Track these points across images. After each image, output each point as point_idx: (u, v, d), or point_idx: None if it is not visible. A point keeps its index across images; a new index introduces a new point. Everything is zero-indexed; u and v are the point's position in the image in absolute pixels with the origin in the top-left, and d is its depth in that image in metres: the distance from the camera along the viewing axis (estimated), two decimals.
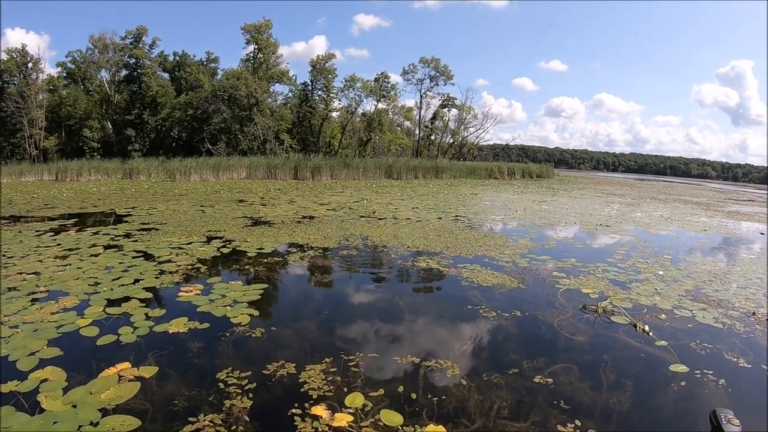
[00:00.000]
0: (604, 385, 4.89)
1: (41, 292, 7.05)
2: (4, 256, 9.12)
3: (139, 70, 44.48)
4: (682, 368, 5.20)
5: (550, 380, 4.91)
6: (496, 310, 6.92)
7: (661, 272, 9.38)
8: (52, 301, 6.61)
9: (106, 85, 46.84)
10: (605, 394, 4.72)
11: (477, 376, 5.01)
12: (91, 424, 3.96)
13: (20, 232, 11.64)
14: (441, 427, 4.06)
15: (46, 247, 10.04)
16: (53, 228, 12.32)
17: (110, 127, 44.18)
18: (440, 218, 16.15)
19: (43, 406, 4.16)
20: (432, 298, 7.98)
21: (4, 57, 41.06)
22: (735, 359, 5.48)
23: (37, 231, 11.79)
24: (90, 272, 8.13)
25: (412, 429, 4.03)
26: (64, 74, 47.74)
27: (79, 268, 8.40)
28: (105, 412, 4.13)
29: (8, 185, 23.98)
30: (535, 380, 4.91)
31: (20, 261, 8.77)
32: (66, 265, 8.59)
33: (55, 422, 3.96)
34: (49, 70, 46.47)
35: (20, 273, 7.93)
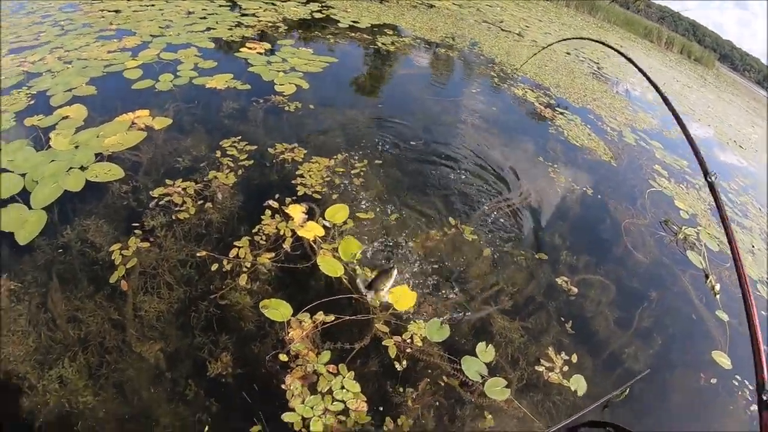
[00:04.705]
0: (631, 330, 3.74)
1: (110, 30, 6.64)
2: None
3: None
4: (725, 362, 3.79)
5: (575, 290, 3.83)
6: (568, 176, 5.56)
7: None
8: (116, 40, 6.21)
9: None
10: (624, 340, 3.62)
11: (495, 243, 4.03)
12: (81, 168, 3.74)
13: None
14: (405, 288, 3.24)
15: None
16: None
17: None
18: (568, 54, 13.51)
19: (51, 144, 3.98)
20: (505, 131, 6.48)
21: None
22: None
23: None
24: (169, 15, 7.57)
25: (368, 274, 3.29)
26: None
27: (160, 9, 7.84)
28: (100, 157, 3.88)
29: None
30: (558, 280, 3.86)
31: None
32: (150, 5, 8.04)
33: (52, 161, 3.79)
34: None
35: (102, 10, 7.49)
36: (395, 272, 3.14)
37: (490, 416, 2.68)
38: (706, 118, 14.22)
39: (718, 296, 4.51)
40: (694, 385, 3.51)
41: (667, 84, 16.66)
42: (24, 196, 3.41)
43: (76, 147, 3.96)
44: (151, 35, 6.46)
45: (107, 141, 4.04)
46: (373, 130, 5.19)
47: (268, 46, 6.77)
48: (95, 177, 3.64)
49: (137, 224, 3.27)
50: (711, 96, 21.44)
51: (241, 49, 6.47)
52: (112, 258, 3.02)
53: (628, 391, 3.02)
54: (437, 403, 2.69)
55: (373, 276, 3.18)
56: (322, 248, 3.36)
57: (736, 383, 3.64)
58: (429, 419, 2.61)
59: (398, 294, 3.15)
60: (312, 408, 2.46)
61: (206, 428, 2.37)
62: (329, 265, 3.22)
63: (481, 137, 5.87)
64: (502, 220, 4.32)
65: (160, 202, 3.46)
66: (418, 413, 2.61)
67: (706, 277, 4.73)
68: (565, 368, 3.09)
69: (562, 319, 3.48)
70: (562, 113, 7.64)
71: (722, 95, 25.19)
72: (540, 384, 2.97)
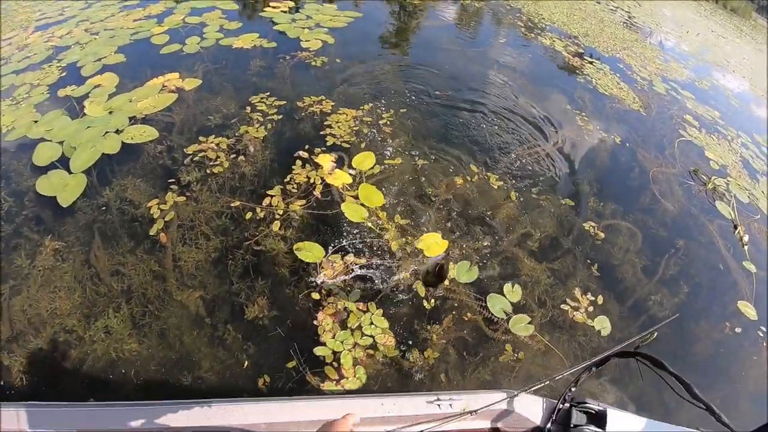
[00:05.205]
0: (656, 278, 3.69)
1: None
2: None
3: None
4: (750, 312, 3.70)
5: (602, 235, 3.81)
6: (597, 124, 5.43)
7: None
8: (140, 8, 6.25)
9: None
10: (650, 287, 3.59)
11: (525, 189, 4.01)
12: (116, 131, 3.85)
13: None
14: (438, 235, 3.23)
15: None
16: None
17: None
18: (599, 2, 12.94)
19: (85, 111, 4.09)
20: (532, 80, 6.26)
21: None
22: None
23: None
24: None
25: (399, 220, 3.34)
26: None
27: None
28: (134, 120, 3.98)
29: None
30: (586, 226, 3.84)
31: None
32: None
33: (88, 127, 3.91)
34: None
35: None
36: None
37: (516, 351, 2.76)
38: (741, 70, 13.55)
39: (746, 247, 4.39)
40: (718, 334, 3.48)
41: (701, 34, 15.93)
42: (63, 162, 3.55)
43: (110, 112, 4.07)
44: (175, 1, 6.48)
45: (140, 105, 4.13)
46: (400, 81, 5.15)
47: (291, 4, 6.71)
48: (131, 139, 3.75)
49: (173, 180, 3.39)
50: (747, 47, 20.25)
51: (265, 9, 6.43)
52: (151, 213, 3.16)
53: (656, 334, 3.03)
54: (462, 338, 2.78)
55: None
56: (347, 195, 3.43)
57: (761, 334, 3.60)
58: (454, 353, 2.71)
59: (429, 241, 3.19)
60: (342, 342, 2.58)
61: (245, 364, 2.50)
62: (353, 211, 3.29)
63: (509, 86, 5.75)
64: (529, 167, 4.29)
65: (195, 159, 3.57)
66: (444, 347, 2.70)
67: (735, 227, 4.60)
68: (590, 309, 3.13)
69: (589, 261, 3.49)
70: (591, 62, 7.38)
71: (759, 47, 23.86)
72: (565, 324, 3.01)
